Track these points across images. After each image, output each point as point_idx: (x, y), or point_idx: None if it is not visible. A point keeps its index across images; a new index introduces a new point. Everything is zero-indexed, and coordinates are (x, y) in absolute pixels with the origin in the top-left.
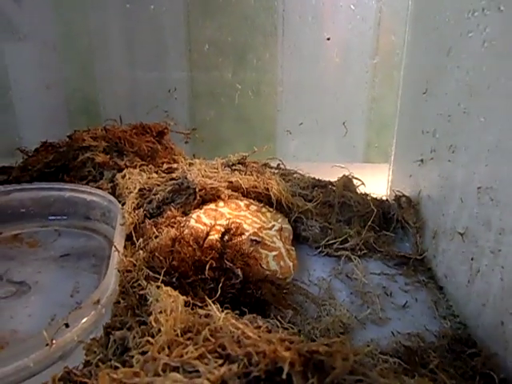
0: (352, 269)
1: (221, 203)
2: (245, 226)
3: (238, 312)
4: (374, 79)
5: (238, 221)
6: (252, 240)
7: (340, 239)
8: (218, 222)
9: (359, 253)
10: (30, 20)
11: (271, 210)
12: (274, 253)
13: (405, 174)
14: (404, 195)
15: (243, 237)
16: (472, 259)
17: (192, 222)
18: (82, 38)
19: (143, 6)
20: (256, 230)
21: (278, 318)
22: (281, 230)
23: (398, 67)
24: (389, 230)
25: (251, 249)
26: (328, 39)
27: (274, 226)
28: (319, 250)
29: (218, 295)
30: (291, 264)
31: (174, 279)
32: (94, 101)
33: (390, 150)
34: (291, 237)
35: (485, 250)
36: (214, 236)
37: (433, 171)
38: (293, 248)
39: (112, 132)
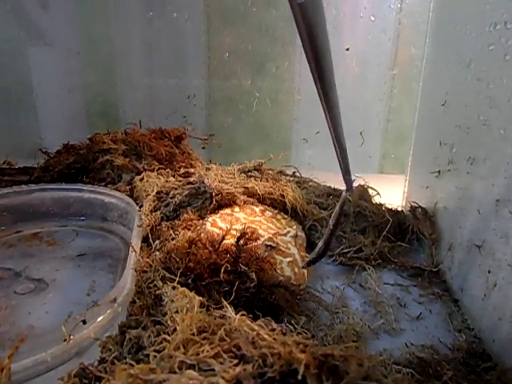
0: (366, 278)
1: (236, 208)
2: (260, 231)
3: (251, 316)
4: (392, 90)
5: (253, 226)
6: (267, 245)
7: (354, 248)
8: (233, 227)
9: (373, 262)
10: (55, 26)
11: (286, 216)
12: (289, 259)
13: (421, 186)
14: (420, 206)
15: (258, 242)
16: (489, 272)
17: (208, 226)
18: (105, 44)
19: (165, 15)
20: (271, 236)
21: (292, 323)
22: (295, 236)
23: (416, 79)
24: (404, 241)
25: (266, 254)
26: (347, 49)
27: (288, 232)
28: (333, 259)
29: (232, 298)
30: (305, 271)
31: (189, 281)
32: (115, 105)
33: (406, 161)
34: (305, 244)
35: (502, 263)
36: (230, 240)
37: (450, 183)
38: (307, 255)
39: (132, 136)
